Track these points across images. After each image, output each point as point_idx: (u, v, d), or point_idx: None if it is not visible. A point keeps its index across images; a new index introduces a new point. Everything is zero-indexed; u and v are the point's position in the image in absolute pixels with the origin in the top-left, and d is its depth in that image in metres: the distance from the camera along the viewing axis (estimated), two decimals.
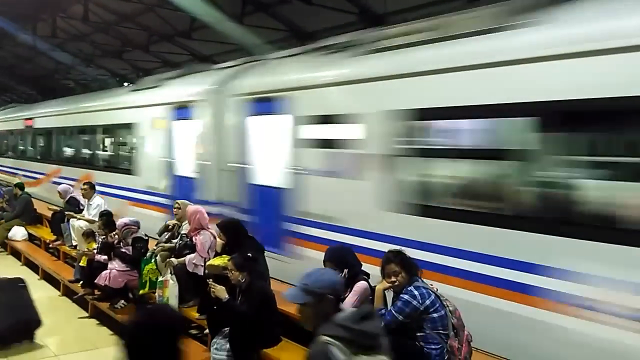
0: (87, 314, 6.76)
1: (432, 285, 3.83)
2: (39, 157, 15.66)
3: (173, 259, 5.74)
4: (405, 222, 4.86)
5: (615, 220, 3.65)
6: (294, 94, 6.15)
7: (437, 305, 3.66)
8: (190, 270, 5.58)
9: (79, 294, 6.97)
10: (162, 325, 1.70)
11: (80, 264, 7.19)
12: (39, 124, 15.59)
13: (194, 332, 5.80)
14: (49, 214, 10.00)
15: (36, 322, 5.89)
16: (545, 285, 3.87)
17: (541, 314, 3.90)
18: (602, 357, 3.59)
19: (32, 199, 11.32)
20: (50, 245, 9.31)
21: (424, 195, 4.81)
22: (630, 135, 3.71)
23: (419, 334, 3.67)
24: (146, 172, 9.26)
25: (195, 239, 5.76)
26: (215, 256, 5.53)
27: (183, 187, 8.13)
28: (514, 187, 4.25)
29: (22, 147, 17.94)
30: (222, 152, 7.37)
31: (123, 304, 6.26)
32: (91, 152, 12.52)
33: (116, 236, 6.60)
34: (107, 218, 7.03)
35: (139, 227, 6.71)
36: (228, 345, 4.44)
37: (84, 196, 8.81)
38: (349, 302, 4.14)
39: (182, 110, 8.25)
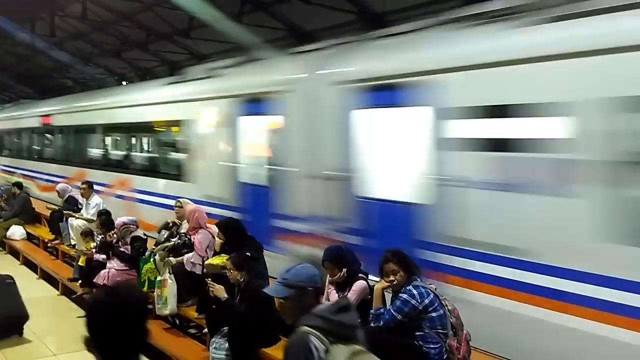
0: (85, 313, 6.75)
1: (430, 284, 3.83)
2: (58, 159, 14.04)
3: (171, 258, 5.74)
4: None
5: None
6: (440, 78, 4.63)
7: (436, 304, 3.66)
8: (189, 269, 5.58)
9: (78, 293, 6.97)
10: (123, 302, 1.68)
11: (79, 263, 7.19)
12: (60, 121, 13.86)
13: (192, 331, 5.81)
14: (48, 213, 9.98)
15: (24, 317, 5.97)
16: None
17: None
18: None
19: (31, 198, 11.32)
20: (49, 245, 9.31)
21: None
22: None
23: (417, 333, 3.67)
24: (204, 179, 7.74)
25: (194, 238, 5.76)
26: (214, 255, 5.52)
27: (252, 197, 6.90)
28: None
29: (36, 147, 16.29)
30: (315, 156, 5.89)
31: None
32: (126, 153, 11.08)
33: (115, 235, 6.60)
34: (105, 217, 7.02)
35: (137, 227, 6.71)
36: (227, 345, 4.44)
37: (82, 195, 8.81)
38: None
39: (252, 104, 6.87)
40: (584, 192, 3.76)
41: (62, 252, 8.78)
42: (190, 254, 5.65)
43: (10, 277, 6.27)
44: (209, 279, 4.77)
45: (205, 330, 5.08)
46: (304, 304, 2.42)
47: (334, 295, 4.24)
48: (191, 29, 16.59)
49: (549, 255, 3.93)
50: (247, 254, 4.95)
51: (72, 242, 8.40)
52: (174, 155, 9.03)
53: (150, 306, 5.96)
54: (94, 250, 6.89)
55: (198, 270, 5.54)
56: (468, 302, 4.21)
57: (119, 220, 6.66)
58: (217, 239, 5.63)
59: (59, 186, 9.82)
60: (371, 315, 3.82)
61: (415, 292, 3.67)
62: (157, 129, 9.57)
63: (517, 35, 4.31)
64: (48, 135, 15.16)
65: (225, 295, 4.54)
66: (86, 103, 12.85)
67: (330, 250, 4.38)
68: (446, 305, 3.71)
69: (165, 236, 6.57)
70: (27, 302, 6.25)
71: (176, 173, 8.47)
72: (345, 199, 5.50)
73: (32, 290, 7.78)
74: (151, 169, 9.73)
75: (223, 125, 7.34)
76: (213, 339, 4.64)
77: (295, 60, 6.78)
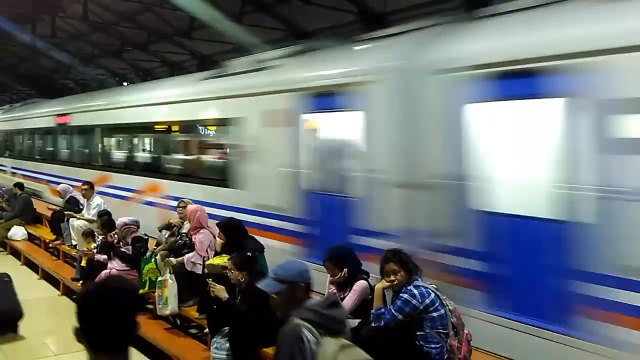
0: None
1: (431, 284, 3.83)
2: (76, 161, 12.92)
3: (172, 259, 5.74)
4: None
5: None
6: (611, 59, 3.62)
7: (437, 304, 3.66)
8: (189, 269, 5.58)
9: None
10: (114, 295, 1.70)
11: (81, 263, 7.20)
12: (78, 120, 12.68)
13: (193, 331, 5.81)
14: (49, 213, 9.99)
15: (19, 315, 6.01)
16: None
17: None
18: None
19: (32, 199, 11.33)
20: (50, 245, 9.31)
21: None
22: None
23: (418, 333, 3.67)
24: (256, 186, 6.76)
25: (195, 238, 5.76)
26: (215, 255, 5.53)
27: (322, 208, 5.90)
28: None
29: (50, 149, 15.00)
30: (411, 160, 4.91)
31: None
32: (157, 155, 9.89)
33: (116, 236, 6.60)
34: (106, 218, 7.02)
35: (138, 227, 6.72)
36: (228, 345, 4.44)
37: (84, 196, 8.81)
38: (349, 301, 4.15)
39: (322, 98, 5.86)
40: None
41: (63, 253, 8.78)
42: (190, 254, 5.65)
43: (7, 275, 6.30)
44: (210, 279, 4.78)
45: (206, 330, 5.08)
46: (295, 299, 2.51)
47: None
48: (192, 29, 16.63)
49: None
50: (248, 254, 4.95)
51: (73, 243, 8.40)
52: (219, 159, 8.06)
53: (150, 306, 5.98)
54: (94, 250, 6.89)
55: (199, 270, 5.54)
56: None
57: (120, 220, 6.66)
58: (218, 239, 5.63)
59: (60, 187, 9.82)
60: (372, 315, 3.83)
61: (416, 292, 3.67)
62: (195, 128, 8.59)
63: None
64: (64, 136, 14.01)
65: (226, 296, 4.55)
66: (108, 101, 11.75)
67: (331, 250, 4.38)
68: (447, 305, 3.70)
69: (166, 236, 6.57)
70: (28, 302, 6.27)
71: (220, 178, 7.48)
72: (462, 213, 4.48)
73: (33, 290, 7.80)
74: (190, 175, 8.58)
75: (283, 123, 6.32)
76: (214, 339, 4.64)
77: (381, 47, 5.73)
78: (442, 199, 4.63)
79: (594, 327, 3.68)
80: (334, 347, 2.19)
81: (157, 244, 6.58)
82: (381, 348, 3.67)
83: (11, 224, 10.46)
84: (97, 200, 8.65)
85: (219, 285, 4.61)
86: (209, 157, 8.49)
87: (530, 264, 4.12)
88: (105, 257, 6.59)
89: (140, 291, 5.93)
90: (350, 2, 13.20)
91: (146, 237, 6.74)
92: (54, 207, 10.39)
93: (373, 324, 3.80)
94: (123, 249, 6.47)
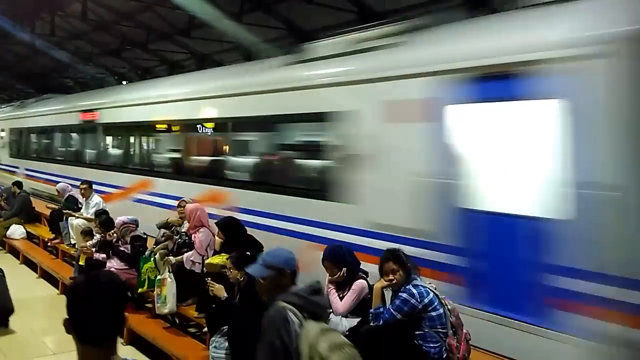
0: None
1: (430, 283, 3.83)
2: (108, 164, 11.17)
3: (171, 257, 5.74)
4: None
5: None
6: None
7: (436, 303, 3.66)
8: (188, 268, 5.58)
9: None
10: (102, 288, 1.75)
11: (79, 262, 7.19)
12: (110, 117, 10.95)
13: (192, 330, 5.81)
14: (48, 212, 9.98)
15: (10, 310, 6.07)
16: None
17: None
18: None
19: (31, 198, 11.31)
20: (49, 244, 9.30)
21: None
22: None
23: (417, 333, 3.67)
24: (375, 199, 5.20)
25: (195, 237, 5.76)
26: (214, 254, 5.53)
27: (492, 233, 4.30)
28: None
29: (73, 149, 13.37)
30: None
31: None
32: (222, 159, 7.96)
33: (114, 235, 6.60)
34: (105, 217, 7.02)
35: (137, 226, 6.71)
36: (227, 344, 4.43)
37: (82, 195, 8.83)
38: (348, 300, 4.15)
39: (490, 82, 4.33)
40: None
41: (62, 252, 8.78)
42: (190, 253, 5.65)
43: (1, 270, 6.33)
44: (209, 278, 4.77)
45: (205, 329, 5.08)
46: (281, 284, 2.65)
47: (333, 295, 4.24)
48: (191, 28, 16.62)
49: None
50: (247, 253, 4.94)
51: (72, 242, 8.40)
52: (313, 163, 6.45)
53: (149, 305, 5.98)
54: (93, 249, 6.89)
55: (198, 269, 5.54)
56: None
57: (118, 219, 6.66)
58: (217, 238, 5.63)
59: (59, 185, 9.83)
60: (371, 315, 3.83)
61: (415, 291, 3.67)
62: (274, 125, 6.84)
63: None
64: (91, 135, 12.23)
65: (225, 295, 4.54)
66: (149, 94, 9.89)
67: (330, 249, 4.38)
68: (446, 305, 3.71)
69: (164, 235, 6.56)
70: (27, 301, 6.29)
71: (318, 189, 5.92)
72: None
73: (32, 289, 7.82)
74: (264, 182, 6.99)
75: (419, 118, 4.81)
76: (213, 338, 4.64)
77: (597, 7, 4.07)
78: None
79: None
80: (316, 329, 2.34)
81: (156, 243, 6.58)
82: (380, 347, 3.67)
83: (10, 222, 10.46)
84: (95, 199, 8.69)
85: (217, 285, 4.60)
86: (297, 162, 6.74)
87: None
88: (104, 255, 6.59)
89: (139, 290, 5.94)
90: (350, 1, 13.20)
91: (145, 236, 6.73)
92: (52, 205, 10.38)
93: (372, 323, 3.80)
94: (122, 248, 6.47)
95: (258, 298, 4.49)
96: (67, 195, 9.36)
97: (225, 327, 4.58)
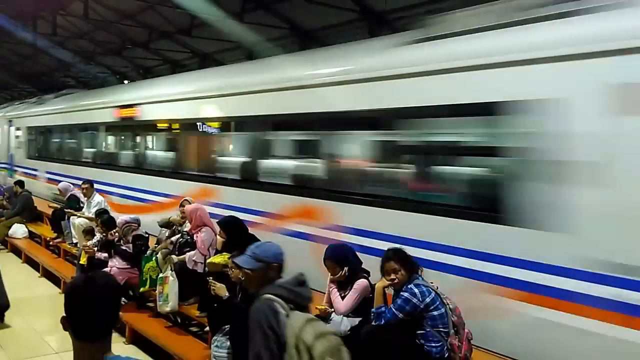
0: None
1: (432, 283, 3.83)
2: (155, 168, 9.48)
3: (173, 256, 5.74)
4: None
5: None
6: None
7: (437, 303, 3.66)
8: (190, 268, 5.59)
9: None
10: (98, 289, 1.86)
11: (81, 262, 7.20)
12: (157, 113, 9.27)
13: (194, 329, 5.82)
14: (50, 211, 10.00)
15: (6, 305, 6.13)
16: None
17: None
18: None
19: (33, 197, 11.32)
20: (51, 243, 9.32)
21: None
22: None
23: (419, 332, 3.67)
24: (600, 226, 3.71)
25: (196, 237, 5.76)
26: (215, 254, 5.53)
27: None
28: None
29: (109, 151, 11.86)
30: None
31: (124, 301, 6.27)
32: (321, 165, 6.14)
33: (116, 234, 6.61)
34: (107, 217, 7.02)
35: (139, 225, 6.72)
36: (228, 343, 4.44)
37: (84, 195, 8.84)
38: (350, 299, 4.15)
39: None
40: None
41: (64, 251, 8.79)
42: (192, 252, 5.65)
43: None
44: (211, 278, 4.77)
45: (207, 328, 5.09)
46: (268, 277, 2.75)
47: (335, 294, 4.24)
48: (193, 27, 16.62)
49: None
50: None
51: (74, 241, 8.42)
52: (467, 170, 5.02)
53: (151, 304, 5.99)
54: (95, 248, 6.90)
55: (200, 268, 5.54)
56: None
57: (121, 218, 6.67)
58: (219, 237, 5.63)
59: (61, 184, 9.84)
60: (372, 314, 3.83)
61: (416, 290, 3.67)
62: (400, 121, 5.21)
63: None
64: (130, 135, 10.73)
65: (227, 294, 4.54)
66: (212, 85, 8.08)
67: (331, 249, 4.38)
68: (448, 304, 3.71)
69: (167, 235, 6.57)
70: (29, 300, 6.29)
71: (480, 207, 4.52)
72: None
73: (34, 288, 7.84)
74: (385, 194, 5.39)
75: None
76: (215, 337, 4.64)
77: None
78: None
79: None
80: (302, 320, 2.47)
81: (158, 242, 6.58)
82: (382, 347, 3.67)
83: (12, 221, 10.48)
84: (97, 198, 8.70)
85: (219, 284, 4.60)
86: (439, 170, 5.16)
87: None
88: (105, 255, 6.60)
89: (141, 289, 5.95)
90: (352, 0, 13.19)
91: (147, 235, 6.74)
92: (54, 204, 10.39)
93: (373, 323, 3.80)
94: (124, 247, 6.47)
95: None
96: (69, 194, 9.37)
97: (227, 327, 4.58)
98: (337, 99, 5.79)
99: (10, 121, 16.91)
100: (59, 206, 9.77)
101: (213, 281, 4.66)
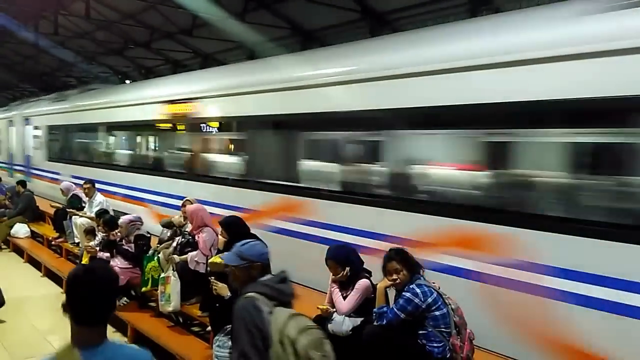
0: None
1: (434, 283, 3.83)
2: (220, 175, 7.73)
3: (175, 256, 5.75)
4: None
5: None
6: None
7: (439, 303, 3.66)
8: (192, 268, 5.59)
9: None
10: (97, 279, 2.03)
11: (83, 261, 7.21)
12: (229, 109, 7.49)
13: (196, 329, 5.82)
14: (52, 211, 10.02)
15: (1, 303, 6.23)
16: None
17: None
18: None
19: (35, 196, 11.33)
20: (53, 243, 9.33)
21: None
22: None
23: (420, 332, 3.67)
24: None
25: (198, 237, 5.77)
26: (217, 254, 5.53)
27: None
28: None
29: (154, 154, 10.19)
30: None
31: (125, 301, 6.28)
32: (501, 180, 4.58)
33: (119, 234, 6.62)
34: (109, 217, 7.03)
35: (142, 224, 6.74)
36: (230, 343, 4.44)
37: (86, 194, 8.86)
38: (352, 299, 4.15)
39: None
40: None
41: (66, 250, 8.81)
42: (194, 253, 5.66)
43: None
44: (212, 277, 4.78)
45: (209, 328, 5.09)
46: (251, 275, 2.82)
47: (336, 294, 4.25)
48: (194, 27, 16.64)
49: None
50: None
51: (76, 240, 8.44)
52: None
53: (153, 304, 6.00)
54: (97, 248, 6.91)
55: (202, 269, 5.54)
56: None
57: (125, 217, 6.66)
58: (220, 237, 5.64)
59: (63, 184, 9.85)
60: (374, 314, 3.83)
61: (418, 290, 3.67)
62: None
63: None
64: (184, 135, 8.81)
65: (229, 294, 4.54)
66: (335, 69, 5.91)
67: (333, 249, 4.38)
68: (449, 304, 3.71)
69: (168, 235, 6.57)
70: (31, 299, 6.29)
71: None
72: None
73: (36, 288, 7.85)
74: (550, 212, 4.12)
75: None
76: (216, 337, 4.65)
77: None
78: None
79: None
80: (285, 315, 2.53)
81: (160, 242, 6.59)
82: (383, 347, 3.68)
83: (14, 221, 10.50)
84: (99, 198, 8.72)
85: (221, 284, 4.61)
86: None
87: None
88: (108, 255, 6.61)
89: (143, 289, 5.96)
90: (353, 0, 13.20)
91: (149, 235, 6.75)
92: (56, 204, 10.41)
93: (375, 323, 3.80)
94: (125, 247, 6.48)
95: None
96: (71, 194, 9.39)
97: (228, 326, 4.58)
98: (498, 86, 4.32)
99: (26, 120, 15.28)
100: (60, 206, 9.79)
101: (215, 281, 4.66)
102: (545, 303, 3.89)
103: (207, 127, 8.03)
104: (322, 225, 5.74)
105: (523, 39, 4.27)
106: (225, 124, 7.81)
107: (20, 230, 10.35)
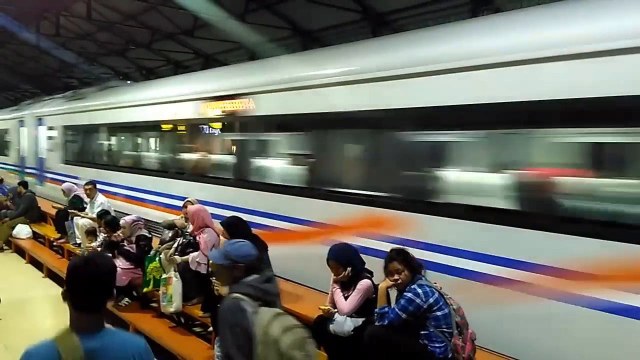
0: None
1: (435, 283, 3.83)
2: (286, 183, 6.52)
3: (177, 257, 5.76)
4: None
5: None
6: None
7: (441, 303, 3.66)
8: (194, 269, 5.60)
9: None
10: (95, 269, 2.15)
11: None
12: (297, 104, 6.10)
13: (197, 329, 5.83)
14: (53, 212, 10.03)
15: None
16: None
17: None
18: None
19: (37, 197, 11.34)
20: (55, 243, 9.34)
21: None
22: None
23: (422, 332, 3.67)
24: None
25: (199, 238, 5.78)
26: None
27: None
28: None
29: (199, 157, 8.35)
30: None
31: (127, 301, 6.29)
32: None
33: (121, 235, 6.62)
34: (110, 218, 7.03)
35: (143, 224, 6.75)
36: None
37: (87, 195, 8.87)
38: (353, 300, 4.15)
39: None
40: None
41: (68, 251, 8.81)
42: (195, 253, 5.66)
43: None
44: (214, 278, 4.79)
45: (210, 328, 5.10)
46: (235, 275, 2.83)
47: (338, 295, 4.25)
48: (195, 28, 16.64)
49: None
50: None
51: (78, 241, 8.44)
52: None
53: (155, 304, 6.00)
54: (99, 249, 6.92)
55: (203, 269, 5.55)
56: None
57: (128, 218, 6.66)
58: (222, 237, 5.64)
59: (64, 185, 9.86)
60: (376, 314, 3.83)
61: (420, 290, 3.67)
62: None
63: None
64: (229, 135, 7.75)
65: None
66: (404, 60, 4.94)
67: (335, 249, 4.38)
68: (451, 305, 3.70)
69: (170, 235, 6.58)
70: (32, 300, 6.30)
71: None
72: None
73: (37, 288, 7.86)
74: None
75: None
76: (218, 338, 4.66)
77: None
78: None
79: None
80: (269, 315, 2.55)
81: (161, 243, 6.60)
82: (385, 347, 3.68)
83: (16, 222, 10.52)
84: (100, 199, 8.72)
85: None
86: None
87: None
88: (109, 255, 6.62)
89: (145, 290, 5.97)
90: (354, 1, 13.20)
91: (150, 236, 6.76)
92: (57, 204, 10.41)
93: (377, 323, 3.80)
94: (127, 248, 6.49)
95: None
96: (72, 194, 9.40)
97: None
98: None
99: (39, 119, 14.16)
100: (62, 206, 9.80)
101: (216, 281, 4.67)
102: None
103: (233, 127, 7.28)
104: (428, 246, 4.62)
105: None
106: (244, 123, 6.91)
107: (22, 231, 10.36)
